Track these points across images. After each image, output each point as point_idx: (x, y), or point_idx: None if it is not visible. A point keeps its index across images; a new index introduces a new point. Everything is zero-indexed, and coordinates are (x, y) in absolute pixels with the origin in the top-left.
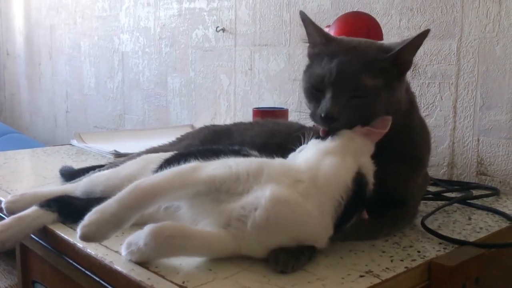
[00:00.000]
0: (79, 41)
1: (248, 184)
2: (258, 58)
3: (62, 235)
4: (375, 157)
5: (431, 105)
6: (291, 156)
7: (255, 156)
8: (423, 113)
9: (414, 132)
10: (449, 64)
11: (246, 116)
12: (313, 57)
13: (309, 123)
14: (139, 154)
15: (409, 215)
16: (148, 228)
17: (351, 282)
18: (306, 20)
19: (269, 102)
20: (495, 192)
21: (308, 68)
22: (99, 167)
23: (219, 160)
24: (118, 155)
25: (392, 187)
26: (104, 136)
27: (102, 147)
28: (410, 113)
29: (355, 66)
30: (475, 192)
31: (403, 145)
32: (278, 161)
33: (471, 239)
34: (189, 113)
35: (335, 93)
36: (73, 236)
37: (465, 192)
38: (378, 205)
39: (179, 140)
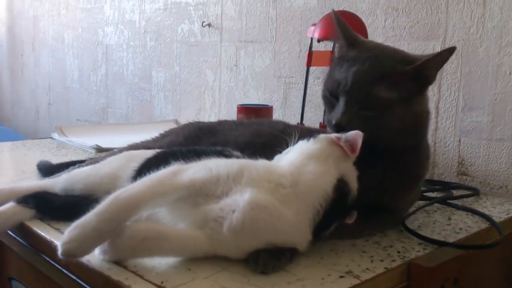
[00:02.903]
0: (62, 32)
1: (228, 186)
2: (243, 55)
3: (40, 232)
4: (375, 167)
5: None
6: (277, 157)
7: (238, 156)
8: None
9: (421, 153)
10: None
11: (230, 112)
12: (337, 60)
13: (293, 121)
14: (121, 150)
15: (394, 221)
16: (125, 229)
17: (331, 283)
18: (336, 21)
19: (254, 98)
20: (475, 192)
21: (330, 71)
22: (79, 162)
23: (200, 161)
24: (99, 149)
25: (387, 199)
26: (86, 130)
27: (84, 141)
28: (423, 133)
29: (371, 76)
30: (456, 192)
31: (409, 164)
32: (261, 163)
33: (451, 240)
34: (174, 108)
35: (347, 102)
36: (50, 233)
37: (446, 192)
38: (366, 209)
39: (163, 136)
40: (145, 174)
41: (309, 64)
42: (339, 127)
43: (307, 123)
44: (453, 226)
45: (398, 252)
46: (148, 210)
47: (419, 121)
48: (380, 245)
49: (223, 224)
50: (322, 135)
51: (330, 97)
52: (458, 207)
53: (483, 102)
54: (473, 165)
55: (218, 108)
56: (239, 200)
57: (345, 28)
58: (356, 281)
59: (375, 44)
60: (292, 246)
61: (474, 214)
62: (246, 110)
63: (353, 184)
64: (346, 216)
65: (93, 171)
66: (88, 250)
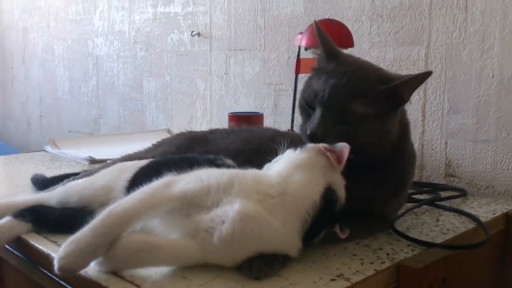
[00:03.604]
0: (52, 44)
1: (218, 197)
2: (233, 63)
3: (37, 245)
4: (362, 178)
5: None
6: (266, 166)
7: (230, 165)
8: None
9: (403, 159)
10: (417, 70)
11: (222, 120)
12: (315, 71)
13: (283, 128)
14: (114, 162)
15: (384, 224)
16: (118, 241)
17: (323, 286)
18: (317, 32)
19: (244, 106)
20: (462, 193)
21: (308, 81)
22: (74, 175)
23: (191, 172)
24: (93, 161)
25: (375, 206)
26: (78, 142)
27: (77, 153)
28: (402, 141)
29: (348, 91)
30: (444, 193)
31: (392, 172)
32: (250, 173)
33: (438, 241)
34: (165, 117)
35: (324, 114)
36: (47, 246)
37: (434, 194)
38: (356, 213)
39: (155, 146)
40: (138, 185)
41: (297, 72)
42: (314, 137)
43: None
44: (441, 227)
45: (388, 254)
46: (141, 222)
47: (390, 137)
48: (370, 248)
49: (213, 235)
50: (309, 145)
51: (306, 106)
52: (445, 208)
53: (468, 105)
54: (460, 166)
55: (210, 116)
56: (229, 210)
57: (325, 39)
58: (347, 284)
59: (353, 58)
60: (283, 253)
61: (461, 214)
62: (237, 118)
63: (341, 193)
64: (335, 223)
65: (88, 183)
66: (84, 264)
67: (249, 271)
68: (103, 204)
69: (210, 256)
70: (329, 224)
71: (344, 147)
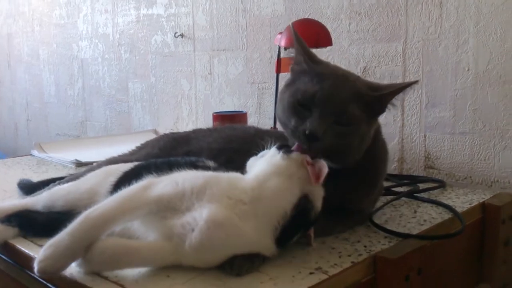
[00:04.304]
0: (37, 49)
1: (191, 202)
2: (217, 63)
3: (23, 249)
4: (336, 176)
5: None
6: (252, 160)
7: (211, 166)
8: None
9: (376, 158)
10: (396, 65)
11: (207, 119)
12: (298, 73)
13: (267, 125)
14: (99, 166)
15: (362, 218)
16: (95, 246)
17: (301, 280)
18: (294, 37)
19: (229, 105)
20: (441, 184)
21: (292, 83)
22: (59, 179)
23: (170, 175)
24: (79, 164)
25: (351, 203)
26: (65, 145)
27: (63, 156)
28: (375, 143)
29: (346, 93)
30: (423, 185)
31: (365, 171)
32: (225, 178)
33: (415, 232)
34: (152, 118)
35: (322, 113)
36: (33, 250)
37: (413, 186)
38: (335, 209)
39: (139, 148)
40: (121, 189)
41: (278, 71)
42: (313, 137)
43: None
44: (418, 218)
45: (365, 246)
46: (119, 225)
47: (367, 142)
48: (349, 241)
49: (185, 241)
50: (293, 154)
51: (300, 107)
52: (424, 200)
53: (445, 98)
54: (439, 158)
55: (196, 116)
56: (198, 218)
57: (304, 44)
58: (325, 277)
59: (335, 65)
60: (258, 253)
61: (438, 205)
62: (221, 117)
63: (317, 203)
64: (309, 229)
65: (73, 188)
66: (62, 267)
67: (231, 268)
68: (88, 207)
69: (184, 259)
70: (303, 230)
71: (323, 166)
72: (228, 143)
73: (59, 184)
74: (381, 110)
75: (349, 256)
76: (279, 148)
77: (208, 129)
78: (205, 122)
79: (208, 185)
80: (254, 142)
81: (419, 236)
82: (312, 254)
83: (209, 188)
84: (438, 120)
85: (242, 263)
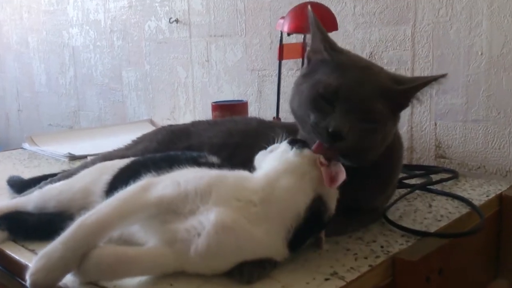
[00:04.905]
0: (26, 36)
1: (195, 204)
2: (214, 49)
3: (13, 255)
4: (349, 173)
5: None
6: (261, 155)
7: (214, 163)
8: None
9: (392, 154)
10: (404, 50)
11: (206, 108)
12: (316, 63)
13: (268, 114)
14: (94, 162)
15: (376, 215)
16: (91, 255)
17: (316, 287)
18: (313, 22)
19: (228, 93)
20: (454, 175)
21: (310, 73)
22: (51, 176)
23: (171, 174)
24: (72, 157)
25: (365, 201)
26: (57, 137)
27: (56, 149)
28: (394, 140)
29: (372, 88)
30: (435, 176)
31: (380, 168)
32: (232, 177)
33: (433, 229)
34: (147, 107)
35: (348, 109)
36: (24, 255)
37: (425, 177)
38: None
39: (136, 142)
40: (117, 188)
41: (280, 58)
42: (337, 135)
43: (283, 115)
44: (434, 213)
45: (382, 247)
46: (116, 231)
47: (390, 140)
48: (363, 240)
49: (190, 247)
50: (305, 151)
51: (322, 101)
52: (438, 192)
53: (457, 84)
54: (450, 147)
55: (193, 105)
56: (205, 222)
57: (323, 31)
58: (342, 283)
59: (356, 54)
60: (269, 258)
61: (454, 198)
62: (221, 108)
63: (331, 204)
64: (322, 230)
65: (65, 187)
66: (56, 280)
67: (240, 275)
68: (82, 208)
69: (188, 266)
70: (316, 232)
71: (340, 171)
72: (229, 137)
73: (51, 182)
74: (406, 104)
75: (366, 258)
76: (290, 143)
77: (208, 122)
78: (204, 111)
79: (214, 186)
80: (257, 135)
81: (438, 234)
82: (326, 257)
83: (215, 189)
84: (449, 107)
85: (252, 270)
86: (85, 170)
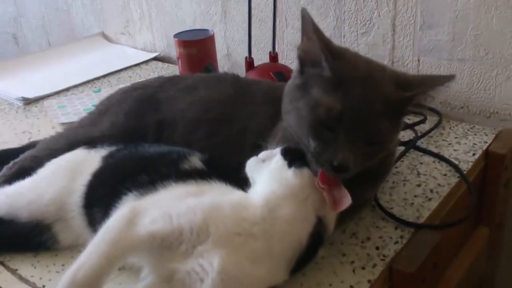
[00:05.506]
0: None
1: (192, 244)
2: None
3: None
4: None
5: (368, 22)
6: (252, 163)
7: (199, 170)
8: (359, 30)
9: (389, 156)
10: None
11: (164, 26)
12: (312, 74)
13: (233, 40)
14: (58, 149)
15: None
16: None
17: None
18: (306, 19)
19: (188, 10)
20: (438, 121)
21: (308, 86)
22: (13, 154)
23: (156, 197)
24: (27, 101)
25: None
26: (3, 67)
27: (7, 90)
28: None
29: (378, 106)
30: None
31: (375, 170)
32: (229, 207)
33: (425, 213)
34: (96, 19)
35: (352, 137)
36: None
37: (410, 129)
38: None
39: (100, 113)
40: (95, 205)
41: None
42: (342, 169)
43: (256, 43)
44: (424, 187)
45: (377, 248)
46: (111, 274)
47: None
48: (358, 239)
49: None
50: (305, 171)
51: (322, 128)
52: (425, 152)
53: (443, 20)
54: None
55: (149, 21)
56: (207, 267)
57: (323, 37)
58: None
59: (358, 56)
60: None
61: (441, 161)
62: (187, 44)
63: (331, 224)
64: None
65: (34, 195)
66: None
67: None
68: (59, 218)
69: None
70: (316, 254)
71: (344, 197)
72: (204, 111)
73: (14, 166)
74: (409, 111)
75: (363, 269)
76: (286, 158)
77: (177, 87)
78: (162, 29)
79: (210, 221)
80: (235, 107)
81: (432, 226)
82: (324, 269)
83: (213, 225)
84: (434, 43)
85: None
86: (50, 167)
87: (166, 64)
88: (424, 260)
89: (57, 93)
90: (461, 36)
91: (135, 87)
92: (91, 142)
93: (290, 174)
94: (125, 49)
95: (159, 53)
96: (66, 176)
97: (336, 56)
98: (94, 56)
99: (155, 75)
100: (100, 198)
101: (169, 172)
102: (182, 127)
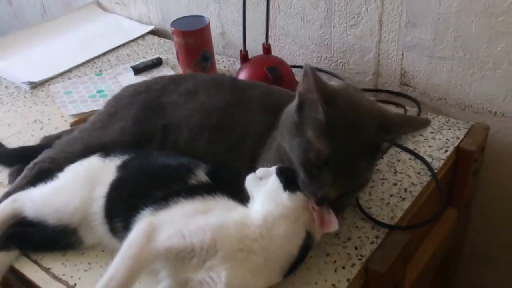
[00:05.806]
0: None
1: (202, 258)
2: None
3: (31, 278)
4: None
5: (357, 16)
6: (251, 180)
7: (206, 184)
8: (348, 22)
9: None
10: None
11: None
12: (308, 116)
13: (230, 21)
14: (73, 153)
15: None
16: None
17: None
18: (310, 76)
19: None
20: (418, 113)
21: (300, 128)
22: (33, 153)
23: (170, 214)
24: (34, 85)
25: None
26: (2, 46)
27: (9, 71)
28: None
29: (358, 149)
30: (398, 100)
31: None
32: (233, 225)
33: (398, 213)
34: None
35: (336, 176)
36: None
37: None
38: None
39: (110, 115)
40: (116, 217)
41: None
42: (323, 201)
43: (251, 28)
44: (399, 186)
45: (356, 248)
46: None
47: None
48: (340, 239)
49: None
50: (299, 194)
51: (310, 165)
52: (403, 149)
53: (426, 21)
54: (415, 78)
55: None
56: (216, 279)
57: (322, 88)
58: None
59: (348, 98)
60: None
61: (416, 158)
62: (185, 34)
63: (318, 235)
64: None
65: (60, 204)
66: None
67: None
68: (83, 224)
69: None
70: (304, 260)
71: (332, 220)
72: (206, 117)
73: (38, 173)
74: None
75: (344, 268)
76: (281, 179)
77: (179, 92)
78: (156, 1)
79: (218, 239)
80: (233, 113)
81: (403, 227)
82: (311, 268)
83: (220, 243)
84: (417, 41)
85: None
86: (70, 175)
87: (163, 40)
88: (395, 259)
89: (61, 75)
90: (442, 36)
91: (138, 91)
92: (103, 149)
93: (285, 198)
94: (121, 20)
95: (154, 26)
96: (86, 187)
97: (330, 102)
98: (91, 28)
99: (153, 51)
100: (120, 211)
101: (179, 189)
102: (186, 132)
